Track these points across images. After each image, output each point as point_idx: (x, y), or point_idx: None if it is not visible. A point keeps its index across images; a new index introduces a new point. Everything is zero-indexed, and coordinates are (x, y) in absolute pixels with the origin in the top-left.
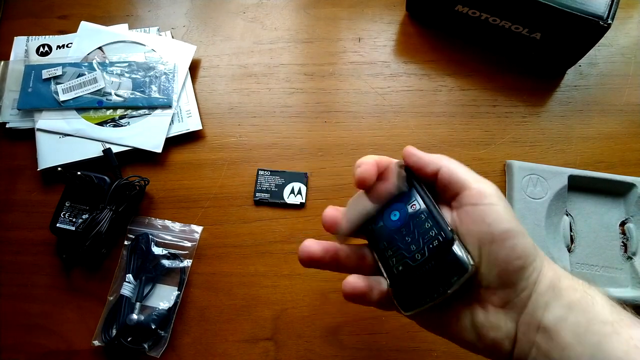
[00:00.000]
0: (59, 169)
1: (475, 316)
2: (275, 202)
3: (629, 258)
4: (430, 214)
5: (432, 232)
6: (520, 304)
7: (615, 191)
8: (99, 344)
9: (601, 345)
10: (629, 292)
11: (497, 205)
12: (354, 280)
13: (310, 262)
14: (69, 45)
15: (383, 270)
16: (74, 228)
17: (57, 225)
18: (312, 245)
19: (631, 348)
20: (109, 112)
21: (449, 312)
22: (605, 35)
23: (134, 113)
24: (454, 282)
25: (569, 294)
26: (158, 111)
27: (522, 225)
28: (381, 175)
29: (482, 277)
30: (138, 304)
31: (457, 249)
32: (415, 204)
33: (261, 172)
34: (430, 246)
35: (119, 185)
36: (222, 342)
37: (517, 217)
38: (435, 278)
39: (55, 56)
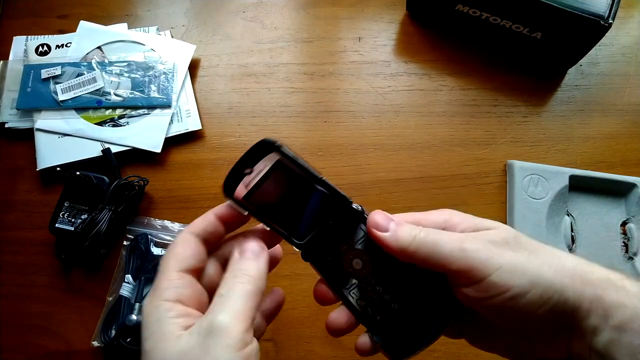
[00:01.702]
0: (58, 169)
1: (524, 350)
2: None
3: (630, 258)
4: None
5: (406, 278)
6: (565, 333)
7: (616, 191)
8: (98, 344)
9: None
10: None
11: (490, 275)
12: (336, 317)
13: (340, 333)
14: (68, 45)
15: (358, 319)
16: (73, 228)
17: (57, 225)
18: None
19: None
20: (108, 111)
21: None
22: (606, 34)
23: (133, 113)
24: (445, 324)
25: (617, 313)
26: (157, 111)
27: (524, 227)
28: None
29: (518, 330)
30: (137, 304)
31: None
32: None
33: None
34: (413, 290)
35: (118, 185)
36: None
37: (520, 254)
38: (423, 322)
39: (55, 56)
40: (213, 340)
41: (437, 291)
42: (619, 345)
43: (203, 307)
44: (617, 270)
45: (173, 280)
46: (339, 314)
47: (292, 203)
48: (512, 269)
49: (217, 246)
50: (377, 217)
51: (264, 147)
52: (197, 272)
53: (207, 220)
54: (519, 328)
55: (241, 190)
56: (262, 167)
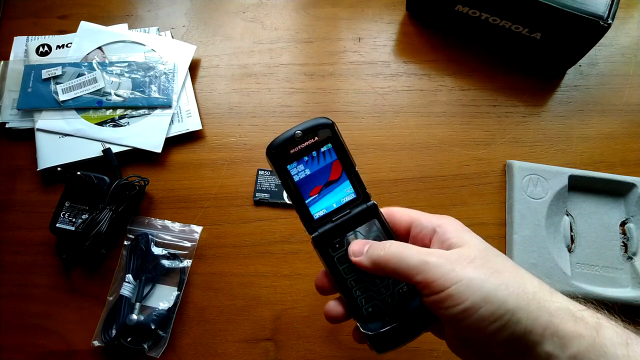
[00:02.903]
0: (59, 169)
1: None
2: (275, 202)
3: (629, 258)
4: None
5: None
6: (520, 356)
7: (616, 191)
8: (99, 344)
9: None
10: (629, 292)
11: (447, 288)
12: (334, 307)
13: (336, 321)
14: (69, 45)
15: (350, 307)
16: (73, 228)
17: (57, 225)
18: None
19: None
20: (108, 112)
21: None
22: (605, 35)
23: (134, 113)
24: (425, 326)
25: (574, 343)
26: (158, 111)
27: (523, 227)
28: None
29: (474, 343)
30: (138, 304)
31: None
32: None
33: (261, 172)
34: (400, 291)
35: (118, 185)
36: (222, 342)
37: (482, 272)
38: (407, 321)
39: (55, 56)
40: None
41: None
42: None
43: None
44: (578, 301)
45: None
46: (336, 305)
47: (322, 182)
48: (469, 284)
49: None
50: (354, 246)
51: (321, 122)
52: None
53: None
54: (474, 342)
55: (283, 154)
56: (311, 139)
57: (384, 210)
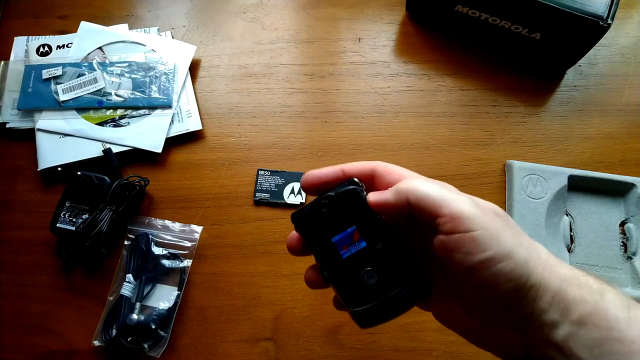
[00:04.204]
0: (59, 169)
1: (481, 329)
2: (275, 202)
3: (629, 258)
4: (387, 248)
5: (391, 253)
6: (523, 321)
7: (615, 191)
8: (99, 344)
9: None
10: (629, 292)
11: (474, 230)
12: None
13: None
14: (69, 46)
15: (333, 285)
16: (74, 228)
17: (57, 225)
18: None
19: None
20: (109, 112)
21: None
22: (605, 35)
23: (134, 113)
24: (411, 303)
25: (578, 308)
26: (158, 111)
27: (523, 227)
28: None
29: (476, 302)
30: (138, 304)
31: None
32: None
33: (261, 172)
34: (392, 268)
35: (119, 185)
36: (222, 342)
37: (506, 229)
38: (392, 299)
39: (55, 56)
40: None
41: (413, 270)
42: (578, 338)
43: None
44: (580, 269)
45: None
46: (313, 271)
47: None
48: (495, 235)
49: None
50: (374, 194)
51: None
52: None
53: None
54: (478, 298)
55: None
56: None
57: (368, 164)
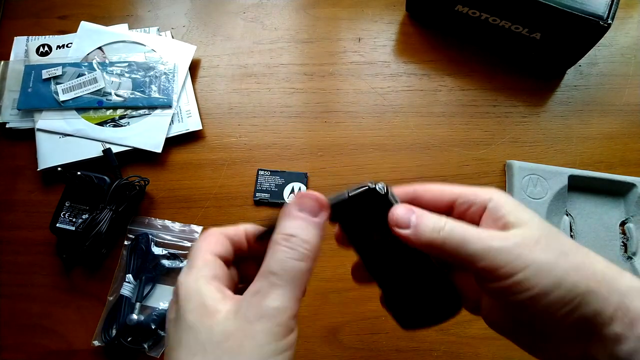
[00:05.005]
0: (59, 169)
1: (540, 343)
2: (275, 202)
3: (629, 258)
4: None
5: (431, 266)
6: (584, 336)
7: (615, 191)
8: (99, 344)
9: None
10: None
11: (515, 275)
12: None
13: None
14: (69, 45)
15: (378, 283)
16: (74, 228)
17: (57, 225)
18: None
19: None
20: (109, 112)
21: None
22: (605, 35)
23: (134, 113)
24: (456, 309)
25: None
26: (158, 111)
27: None
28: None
29: (525, 325)
30: (138, 304)
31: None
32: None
33: (261, 172)
34: (428, 276)
35: (119, 185)
36: None
37: (551, 243)
38: (433, 305)
39: (55, 56)
40: (260, 325)
41: (450, 284)
42: None
43: (235, 290)
44: None
45: (209, 260)
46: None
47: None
48: (538, 269)
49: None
50: (398, 211)
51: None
52: (227, 262)
53: (237, 230)
54: (538, 326)
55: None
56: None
57: (417, 187)
